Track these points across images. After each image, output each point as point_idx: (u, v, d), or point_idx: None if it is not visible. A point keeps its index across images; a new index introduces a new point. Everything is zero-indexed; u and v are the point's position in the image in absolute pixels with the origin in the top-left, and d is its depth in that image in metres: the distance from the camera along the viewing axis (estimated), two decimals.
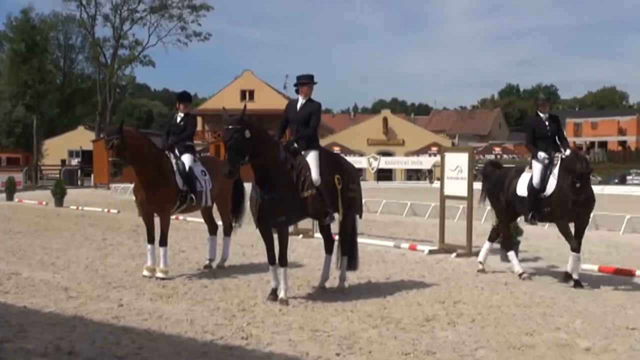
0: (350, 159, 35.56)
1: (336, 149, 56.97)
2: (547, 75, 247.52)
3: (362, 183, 10.66)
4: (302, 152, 9.22)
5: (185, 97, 11.97)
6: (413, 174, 58.56)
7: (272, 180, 8.78)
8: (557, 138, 10.95)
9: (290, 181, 8.92)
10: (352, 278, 10.21)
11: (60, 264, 11.91)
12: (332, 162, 9.67)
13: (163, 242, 10.81)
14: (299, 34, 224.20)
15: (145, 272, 10.73)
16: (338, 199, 9.40)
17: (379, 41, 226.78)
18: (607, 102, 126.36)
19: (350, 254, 9.93)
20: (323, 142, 68.96)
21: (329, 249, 10.02)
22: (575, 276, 10.06)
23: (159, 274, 10.60)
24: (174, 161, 10.98)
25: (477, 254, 13.34)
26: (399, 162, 37.09)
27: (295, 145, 9.26)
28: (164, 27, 70.84)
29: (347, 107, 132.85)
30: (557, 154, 10.55)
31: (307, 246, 14.38)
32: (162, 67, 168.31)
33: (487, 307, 8.79)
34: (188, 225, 18.68)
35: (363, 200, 10.50)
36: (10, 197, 30.33)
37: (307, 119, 9.43)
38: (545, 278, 10.96)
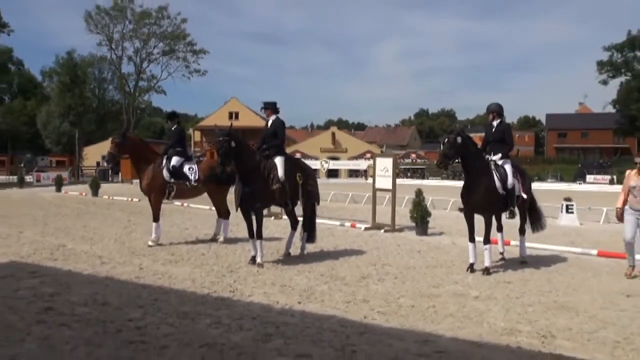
0: (308, 162, 35.53)
1: (297, 155, 57.10)
2: (449, 102, 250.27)
3: (317, 180, 10.61)
4: (272, 157, 9.21)
5: (172, 115, 12.17)
6: (353, 173, 59.18)
7: (251, 177, 8.84)
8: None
9: (263, 178, 8.95)
10: (310, 248, 10.20)
11: (96, 238, 11.72)
12: (295, 165, 9.71)
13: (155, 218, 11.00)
14: (271, 71, 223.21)
15: (150, 243, 10.81)
16: (299, 190, 9.45)
17: (329, 76, 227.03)
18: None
19: (309, 231, 9.93)
20: (288, 150, 68.89)
21: (293, 226, 10.00)
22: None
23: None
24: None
25: (399, 230, 13.49)
26: (343, 165, 37.20)
27: (267, 152, 9.28)
28: (172, 65, 70.11)
29: (306, 125, 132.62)
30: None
31: (277, 225, 14.34)
32: (171, 94, 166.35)
33: (406, 268, 8.86)
34: (191, 210, 18.48)
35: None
36: (58, 190, 29.75)
37: (275, 133, 9.46)
38: (446, 247, 11.08)
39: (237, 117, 74.12)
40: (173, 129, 11.76)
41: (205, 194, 11.75)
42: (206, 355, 4.72)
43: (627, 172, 8.69)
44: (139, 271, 8.38)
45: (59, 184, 30.66)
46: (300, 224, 9.98)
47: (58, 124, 68.03)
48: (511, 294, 7.20)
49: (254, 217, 9.05)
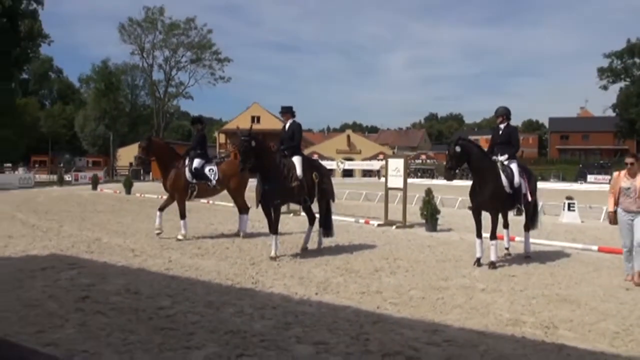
0: (325, 162, 35.54)
1: (315, 156, 57.15)
2: (457, 106, 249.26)
3: (333, 179, 10.60)
4: (291, 157, 9.28)
5: (195, 120, 12.30)
6: (367, 173, 58.98)
7: (270, 175, 8.87)
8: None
9: (282, 176, 8.97)
10: (327, 242, 10.19)
11: (129, 233, 11.82)
12: (311, 164, 9.76)
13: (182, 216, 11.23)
14: (290, 78, 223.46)
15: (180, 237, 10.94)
16: (315, 189, 9.46)
17: (343, 82, 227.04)
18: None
19: (325, 226, 9.93)
20: (306, 151, 68.97)
21: (311, 222, 9.99)
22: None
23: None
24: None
25: (410, 226, 13.43)
26: (357, 165, 37.06)
27: (285, 152, 9.37)
28: (199, 72, 70.61)
29: (322, 128, 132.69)
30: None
31: (296, 221, 14.35)
32: (197, 99, 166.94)
33: (416, 262, 8.82)
34: (216, 207, 18.57)
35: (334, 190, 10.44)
36: (94, 188, 30.06)
37: (292, 135, 9.56)
38: (455, 242, 11.02)
39: (258, 120, 74.23)
40: (196, 133, 11.88)
41: (225, 192, 11.88)
42: (230, 342, 4.74)
43: (615, 173, 7.76)
44: (169, 263, 8.43)
45: (95, 182, 31.01)
46: (317, 220, 9.99)
47: (94, 127, 68.81)
48: (516, 287, 7.13)
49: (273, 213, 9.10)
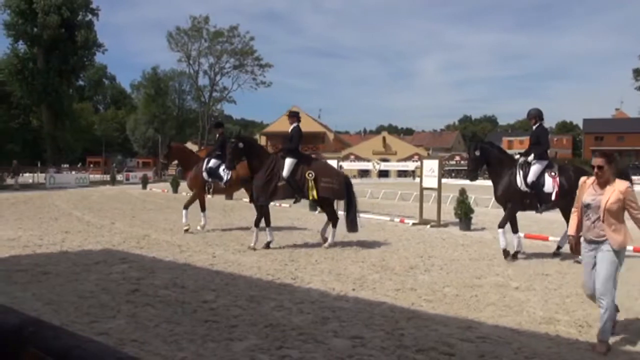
0: (362, 163, 35.25)
1: (352, 157, 57.04)
2: (491, 108, 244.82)
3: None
4: (284, 159, 9.63)
5: (217, 125, 12.95)
6: (402, 173, 58.50)
7: (258, 174, 9.46)
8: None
9: (269, 175, 9.42)
10: (362, 240, 10.14)
11: (175, 230, 12.02)
12: (308, 164, 9.76)
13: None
14: (328, 82, 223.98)
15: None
16: (308, 187, 9.53)
17: (379, 86, 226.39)
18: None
19: (334, 220, 9.85)
20: (343, 153, 68.49)
21: (334, 224, 9.90)
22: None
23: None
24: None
25: (444, 225, 13.26)
26: (393, 166, 36.81)
27: (281, 153, 9.81)
28: (241, 78, 71.31)
29: (359, 130, 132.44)
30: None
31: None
32: (240, 103, 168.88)
33: (450, 260, 8.70)
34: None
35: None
36: (144, 187, 30.68)
37: (291, 138, 9.91)
38: (488, 241, 10.82)
39: None
40: (218, 136, 12.39)
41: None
42: (270, 335, 4.77)
43: (582, 179, 5.04)
44: (213, 259, 8.53)
45: (144, 182, 31.68)
46: (334, 218, 9.92)
47: (144, 130, 70.46)
48: (549, 285, 6.95)
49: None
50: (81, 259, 8.28)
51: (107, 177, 40.04)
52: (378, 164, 19.86)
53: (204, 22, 67.84)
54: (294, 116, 10.14)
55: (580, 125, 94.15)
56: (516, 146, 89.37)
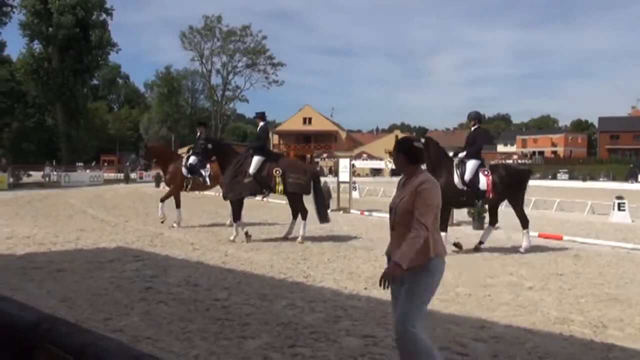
0: (374, 162, 35.15)
1: (364, 155, 56.93)
2: (504, 107, 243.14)
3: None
4: (252, 156, 10.15)
5: (200, 123, 13.18)
6: None
7: (226, 172, 10.18)
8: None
9: (237, 172, 10.04)
10: (375, 238, 10.11)
11: (188, 227, 12.08)
12: (276, 161, 10.33)
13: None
14: (340, 81, 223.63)
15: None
16: (275, 182, 10.08)
17: (392, 84, 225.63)
18: (544, 124, 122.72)
19: (301, 214, 10.29)
20: (355, 151, 68.21)
21: (301, 215, 10.35)
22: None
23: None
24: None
25: (457, 224, 13.18)
26: None
27: (250, 151, 10.31)
28: (254, 77, 71.67)
29: (372, 128, 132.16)
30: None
31: (344, 218, 14.33)
32: (253, 102, 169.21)
33: (463, 259, 8.65)
34: (271, 205, 18.76)
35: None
36: (157, 186, 30.87)
37: (259, 136, 10.74)
38: (501, 240, 10.75)
39: (310, 122, 74.61)
40: (199, 134, 12.56)
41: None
42: (282, 333, 4.78)
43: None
44: (225, 257, 8.57)
45: (158, 180, 31.83)
46: (304, 212, 10.32)
47: (157, 129, 70.97)
48: (564, 285, 6.89)
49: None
50: (95, 256, 8.36)
51: (121, 176, 40.36)
52: (390, 162, 19.80)
53: (217, 22, 68.25)
54: (261, 117, 10.70)
55: (596, 124, 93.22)
56: (530, 145, 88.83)
